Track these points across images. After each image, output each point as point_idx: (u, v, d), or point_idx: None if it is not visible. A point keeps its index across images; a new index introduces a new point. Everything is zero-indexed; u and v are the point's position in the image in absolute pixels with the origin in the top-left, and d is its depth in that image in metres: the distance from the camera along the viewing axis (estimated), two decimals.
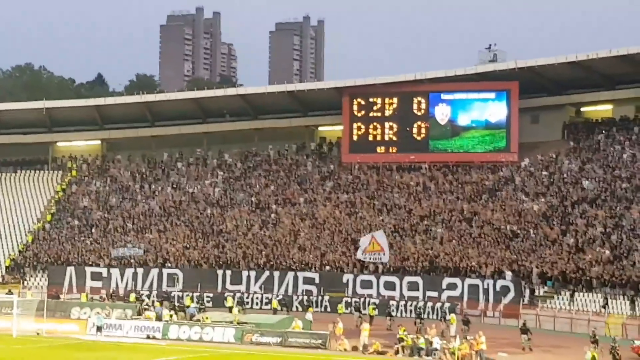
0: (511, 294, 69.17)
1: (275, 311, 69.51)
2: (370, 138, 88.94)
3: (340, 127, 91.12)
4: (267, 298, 74.62)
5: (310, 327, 59.22)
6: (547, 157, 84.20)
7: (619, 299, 64.29)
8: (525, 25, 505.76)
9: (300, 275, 76.71)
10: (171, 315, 61.30)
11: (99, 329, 59.78)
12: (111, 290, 76.57)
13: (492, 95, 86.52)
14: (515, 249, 73.24)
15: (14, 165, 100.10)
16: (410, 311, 69.53)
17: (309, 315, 61.87)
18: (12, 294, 69.79)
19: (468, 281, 71.38)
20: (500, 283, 69.93)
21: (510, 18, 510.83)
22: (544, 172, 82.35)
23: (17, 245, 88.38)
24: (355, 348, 54.47)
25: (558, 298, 67.72)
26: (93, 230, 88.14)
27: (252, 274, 77.77)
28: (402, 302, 71.43)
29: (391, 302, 70.49)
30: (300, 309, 71.73)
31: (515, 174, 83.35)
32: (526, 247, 72.99)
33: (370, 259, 73.54)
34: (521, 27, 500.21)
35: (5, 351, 52.40)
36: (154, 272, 79.64)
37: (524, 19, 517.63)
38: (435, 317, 67.00)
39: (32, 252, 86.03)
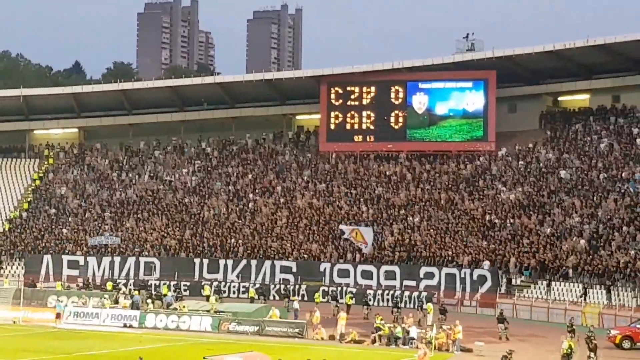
0: (488, 284, 69.42)
1: (252, 300, 69.43)
2: (348, 127, 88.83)
3: (318, 116, 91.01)
4: (244, 287, 74.44)
5: (298, 317, 59.29)
6: (524, 147, 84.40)
7: (596, 288, 64.55)
8: (503, 14, 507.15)
9: (278, 264, 76.74)
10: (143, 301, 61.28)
11: (58, 315, 59.72)
12: (87, 279, 76.26)
13: (469, 84, 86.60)
14: (492, 238, 73.45)
15: None
16: (388, 300, 69.53)
17: (295, 304, 61.87)
18: None
19: (445, 270, 71.57)
20: (477, 272, 70.17)
21: (488, 7, 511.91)
22: (521, 162, 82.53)
23: None
24: (332, 337, 54.53)
25: (535, 287, 67.97)
26: (70, 218, 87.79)
27: (230, 262, 77.71)
28: (379, 291, 71.47)
29: (368, 291, 70.57)
30: (277, 297, 71.74)
31: (492, 164, 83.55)
32: (503, 237, 73.19)
33: (356, 242, 73.87)
34: (499, 16, 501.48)
35: None
36: (131, 260, 79.47)
37: (501, 8, 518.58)
38: (412, 306, 67.04)
39: (9, 240, 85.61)
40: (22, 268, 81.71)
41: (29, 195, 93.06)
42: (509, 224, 74.24)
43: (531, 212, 74.82)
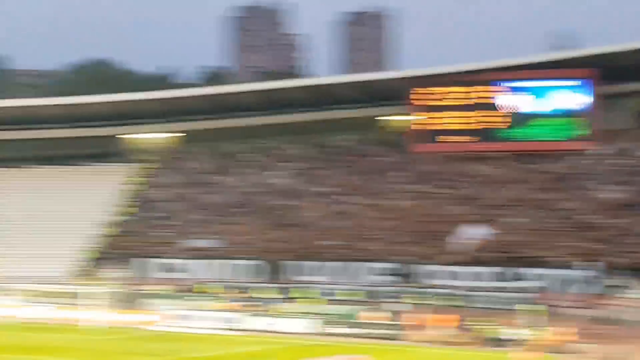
0: (590, 284, 68.09)
1: (351, 302, 69.16)
2: (440, 128, 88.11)
3: (409, 117, 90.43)
4: (341, 289, 74.17)
5: (398, 318, 59.09)
6: (624, 145, 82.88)
7: None
8: (600, 9, 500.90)
9: (374, 265, 76.23)
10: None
11: (155, 318, 60.56)
12: (186, 282, 76.90)
13: (567, 82, 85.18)
14: (594, 239, 72.12)
15: (87, 158, 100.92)
16: (485, 302, 68.68)
17: (395, 306, 61.55)
18: (89, 286, 70.59)
19: (545, 271, 70.40)
20: (578, 273, 68.90)
21: (586, 2, 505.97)
22: (622, 161, 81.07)
23: (94, 237, 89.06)
24: (431, 339, 54.07)
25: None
26: (168, 222, 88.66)
27: (326, 265, 77.52)
28: (477, 293, 70.58)
29: (468, 293, 69.79)
30: (375, 299, 71.34)
31: (591, 163, 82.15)
32: (605, 237, 71.83)
33: (455, 244, 72.92)
34: (596, 11, 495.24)
35: (80, 342, 53.00)
36: (229, 263, 79.76)
37: (600, 4, 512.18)
38: (511, 307, 66.09)
39: (109, 245, 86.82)
40: (123, 271, 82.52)
41: (126, 200, 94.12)
42: (611, 224, 72.85)
43: (634, 212, 73.31)
